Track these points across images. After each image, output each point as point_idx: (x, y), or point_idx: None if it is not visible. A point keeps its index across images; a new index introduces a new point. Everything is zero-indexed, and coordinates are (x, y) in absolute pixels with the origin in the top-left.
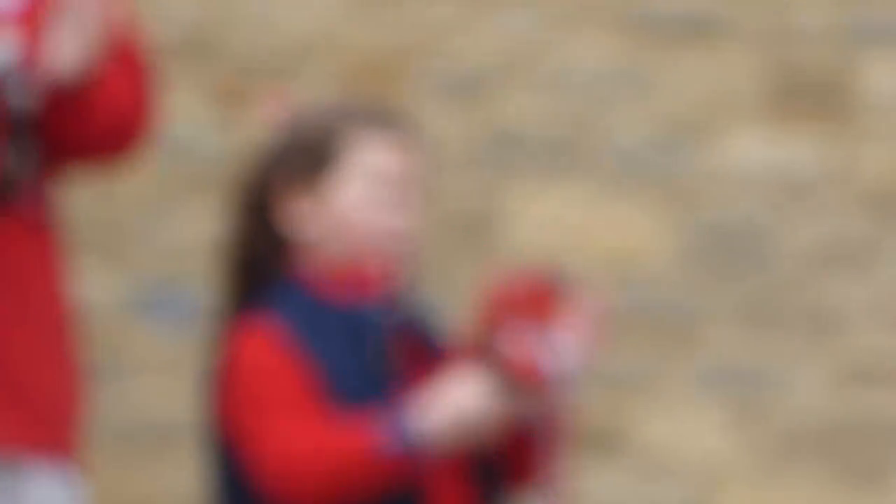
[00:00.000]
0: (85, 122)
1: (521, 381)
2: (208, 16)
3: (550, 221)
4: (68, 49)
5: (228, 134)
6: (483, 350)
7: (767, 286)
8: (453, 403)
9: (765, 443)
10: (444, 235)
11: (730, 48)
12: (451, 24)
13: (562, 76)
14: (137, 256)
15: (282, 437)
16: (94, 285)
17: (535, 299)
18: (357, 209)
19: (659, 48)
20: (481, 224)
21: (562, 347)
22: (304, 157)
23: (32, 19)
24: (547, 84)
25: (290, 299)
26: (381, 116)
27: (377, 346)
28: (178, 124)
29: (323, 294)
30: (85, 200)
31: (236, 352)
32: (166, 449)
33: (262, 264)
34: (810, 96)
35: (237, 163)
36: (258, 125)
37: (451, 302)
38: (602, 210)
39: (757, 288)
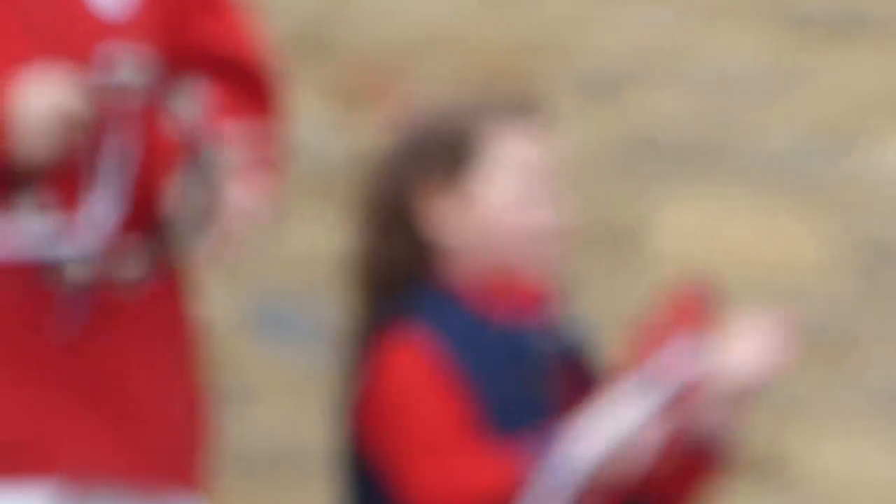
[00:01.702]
0: None
1: (687, 399)
2: (326, 9)
3: (697, 231)
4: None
5: (348, 136)
6: (639, 373)
7: None
8: (610, 433)
9: None
10: (584, 245)
11: (888, 47)
12: (587, 20)
13: (706, 75)
14: (256, 269)
15: (436, 475)
16: (211, 302)
17: (690, 312)
18: (506, 205)
19: (811, 45)
20: (624, 234)
21: (717, 360)
22: (443, 154)
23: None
24: (691, 84)
25: (440, 310)
26: (520, 105)
27: (538, 372)
28: (295, 126)
29: (477, 307)
30: None
31: (381, 370)
32: (289, 477)
33: (401, 274)
34: None
35: (360, 167)
36: (379, 127)
37: (596, 318)
38: (753, 219)
39: None
